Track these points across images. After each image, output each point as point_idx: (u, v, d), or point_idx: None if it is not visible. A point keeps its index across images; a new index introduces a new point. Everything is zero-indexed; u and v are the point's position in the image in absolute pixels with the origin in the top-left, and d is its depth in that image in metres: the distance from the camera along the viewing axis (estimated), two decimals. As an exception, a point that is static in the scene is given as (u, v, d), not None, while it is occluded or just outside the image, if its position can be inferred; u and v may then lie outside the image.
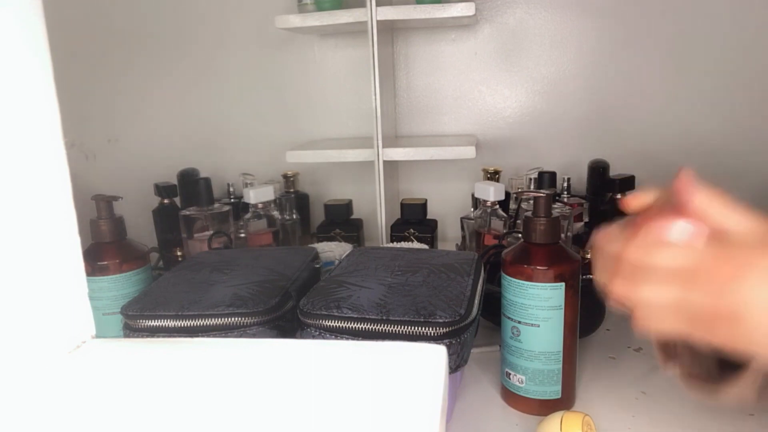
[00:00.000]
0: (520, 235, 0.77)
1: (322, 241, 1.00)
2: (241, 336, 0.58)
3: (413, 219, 1.00)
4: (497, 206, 0.89)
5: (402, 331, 0.54)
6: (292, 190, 1.12)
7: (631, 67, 1.11)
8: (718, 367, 0.42)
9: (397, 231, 0.99)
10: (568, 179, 0.99)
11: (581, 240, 0.94)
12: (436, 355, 0.39)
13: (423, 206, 1.00)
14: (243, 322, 0.58)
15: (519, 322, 0.59)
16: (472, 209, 1.01)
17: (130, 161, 1.28)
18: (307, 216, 1.16)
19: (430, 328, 0.54)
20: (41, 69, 0.38)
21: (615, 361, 0.71)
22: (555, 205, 0.85)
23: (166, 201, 1.03)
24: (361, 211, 1.10)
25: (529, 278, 0.57)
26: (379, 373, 0.37)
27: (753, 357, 0.37)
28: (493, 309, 0.66)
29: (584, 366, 0.69)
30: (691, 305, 0.36)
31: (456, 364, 0.55)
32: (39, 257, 0.39)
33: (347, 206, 1.04)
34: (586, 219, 0.96)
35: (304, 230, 1.11)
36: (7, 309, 0.36)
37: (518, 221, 0.84)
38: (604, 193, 0.99)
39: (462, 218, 0.95)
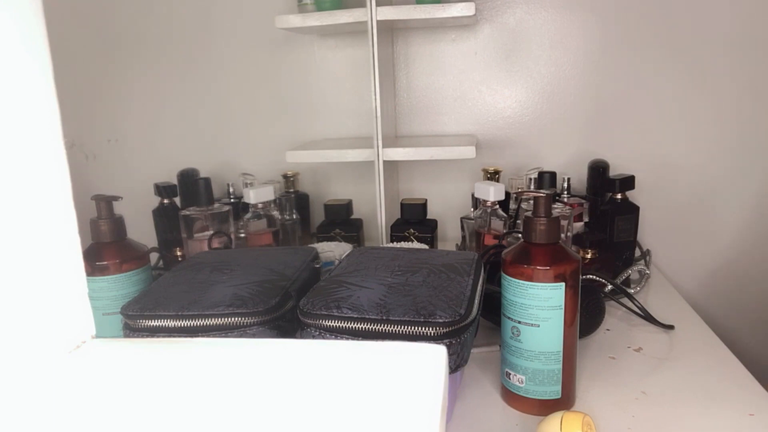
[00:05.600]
0: (520, 235, 0.77)
1: (322, 241, 1.00)
2: (241, 336, 0.58)
3: (413, 219, 1.00)
4: (497, 206, 0.89)
5: (402, 331, 0.54)
6: (292, 190, 1.12)
7: (631, 67, 1.11)
8: None
9: (397, 231, 0.99)
10: (568, 179, 0.99)
11: (581, 240, 0.94)
12: (436, 355, 0.39)
13: (423, 206, 1.00)
14: (243, 322, 0.58)
15: (519, 322, 0.59)
16: (472, 209, 1.01)
17: (130, 161, 1.28)
18: (307, 216, 1.16)
19: (430, 328, 0.54)
20: (41, 69, 0.38)
21: (615, 361, 0.71)
22: (555, 205, 0.85)
23: (166, 201, 1.03)
24: (361, 211, 1.10)
25: (529, 278, 0.57)
26: (379, 373, 0.37)
27: None
28: (493, 309, 0.66)
29: (584, 366, 0.69)
30: None
31: (456, 364, 0.55)
32: (39, 257, 0.39)
33: (347, 206, 1.04)
34: (586, 219, 0.96)
35: (304, 230, 1.11)
36: (7, 309, 0.36)
37: (518, 221, 0.84)
38: (604, 193, 0.99)
39: (462, 218, 0.95)
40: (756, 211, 1.13)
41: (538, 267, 0.57)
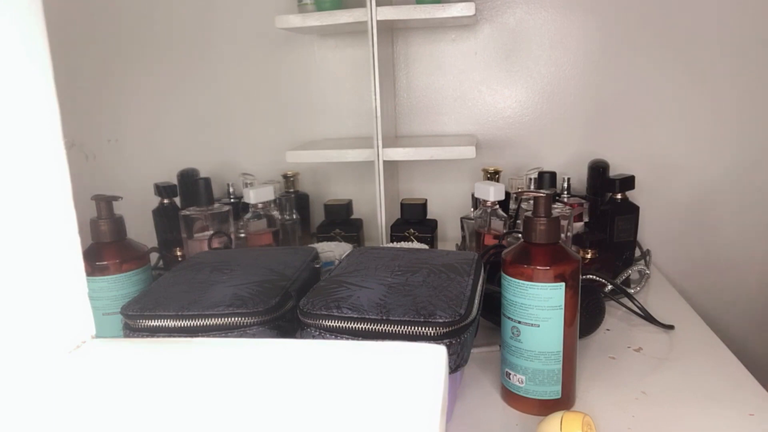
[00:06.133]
0: (520, 235, 0.77)
1: (322, 241, 1.00)
2: (241, 336, 0.58)
3: (413, 219, 1.00)
4: (497, 206, 0.89)
5: (402, 331, 0.54)
6: (292, 190, 1.12)
7: (631, 67, 1.11)
8: None
9: (397, 231, 0.99)
10: (568, 179, 0.99)
11: (581, 240, 0.94)
12: (436, 355, 0.39)
13: (423, 206, 1.00)
14: (243, 322, 0.58)
15: (519, 322, 0.59)
16: (472, 209, 1.01)
17: (130, 161, 1.28)
18: (307, 216, 1.16)
19: (430, 328, 0.54)
20: (41, 69, 0.38)
21: (615, 361, 0.71)
22: (555, 205, 0.85)
23: (166, 201, 1.03)
24: (361, 211, 1.10)
25: (529, 278, 0.57)
26: (379, 374, 0.37)
27: None
28: (493, 309, 0.66)
29: (584, 366, 0.69)
30: None
31: (456, 364, 0.55)
32: (39, 257, 0.39)
33: (347, 206, 1.04)
34: (586, 219, 0.96)
35: (304, 230, 1.11)
36: (7, 309, 0.36)
37: (518, 221, 0.84)
38: (604, 193, 0.99)
39: (462, 218, 0.95)
40: (756, 210, 1.13)
41: (538, 267, 0.57)
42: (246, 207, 0.95)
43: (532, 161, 1.16)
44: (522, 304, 0.58)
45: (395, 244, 0.93)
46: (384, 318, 0.54)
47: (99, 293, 0.72)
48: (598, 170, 1.03)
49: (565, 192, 0.99)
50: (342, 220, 1.03)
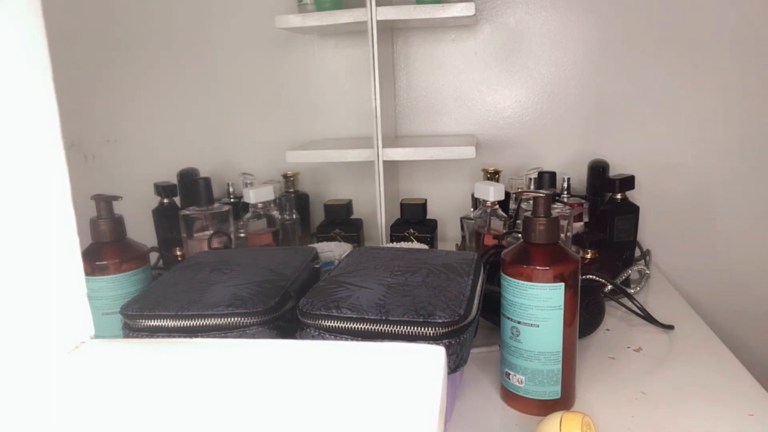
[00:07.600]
0: (519, 235, 0.77)
1: (322, 241, 1.00)
2: (240, 336, 0.58)
3: (413, 219, 1.00)
4: (497, 206, 0.89)
5: (401, 331, 0.54)
6: (292, 190, 1.12)
7: (631, 67, 1.11)
8: None
9: (397, 231, 0.99)
10: (568, 179, 0.99)
11: (581, 240, 0.94)
12: (435, 355, 0.39)
13: (423, 206, 1.00)
14: (242, 322, 0.58)
15: (518, 323, 0.59)
16: (472, 209, 1.01)
17: (130, 161, 1.28)
18: (307, 216, 1.16)
19: (430, 329, 0.54)
20: (40, 69, 0.38)
21: (615, 361, 0.71)
22: (555, 205, 0.85)
23: (166, 201, 1.03)
24: (361, 211, 1.10)
25: (529, 278, 0.57)
26: (378, 374, 0.37)
27: None
28: (493, 309, 0.66)
29: (584, 366, 0.69)
30: None
31: (455, 365, 0.55)
32: (38, 258, 0.39)
33: (347, 206, 1.04)
34: (586, 219, 0.96)
35: (304, 230, 1.11)
36: (6, 309, 0.36)
37: (518, 221, 0.84)
38: (604, 193, 0.99)
39: (462, 218, 0.95)
40: (756, 210, 1.13)
41: (538, 267, 0.57)
42: (246, 207, 0.95)
43: (532, 161, 1.16)
44: (521, 305, 0.58)
45: (395, 244, 0.93)
46: (383, 318, 0.54)
47: (98, 293, 0.72)
48: (598, 170, 1.03)
49: (565, 192, 0.99)
50: (342, 220, 1.03)
